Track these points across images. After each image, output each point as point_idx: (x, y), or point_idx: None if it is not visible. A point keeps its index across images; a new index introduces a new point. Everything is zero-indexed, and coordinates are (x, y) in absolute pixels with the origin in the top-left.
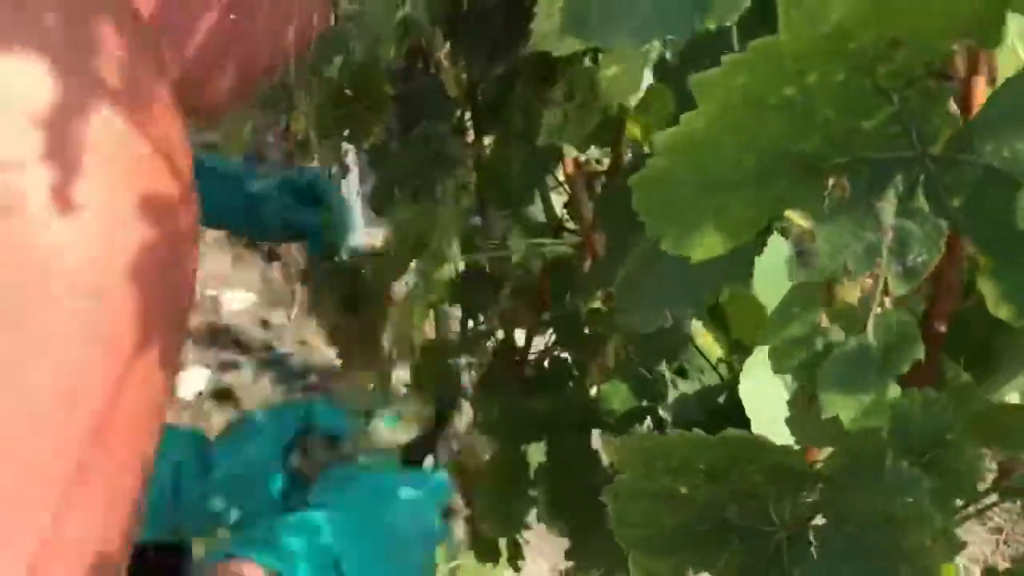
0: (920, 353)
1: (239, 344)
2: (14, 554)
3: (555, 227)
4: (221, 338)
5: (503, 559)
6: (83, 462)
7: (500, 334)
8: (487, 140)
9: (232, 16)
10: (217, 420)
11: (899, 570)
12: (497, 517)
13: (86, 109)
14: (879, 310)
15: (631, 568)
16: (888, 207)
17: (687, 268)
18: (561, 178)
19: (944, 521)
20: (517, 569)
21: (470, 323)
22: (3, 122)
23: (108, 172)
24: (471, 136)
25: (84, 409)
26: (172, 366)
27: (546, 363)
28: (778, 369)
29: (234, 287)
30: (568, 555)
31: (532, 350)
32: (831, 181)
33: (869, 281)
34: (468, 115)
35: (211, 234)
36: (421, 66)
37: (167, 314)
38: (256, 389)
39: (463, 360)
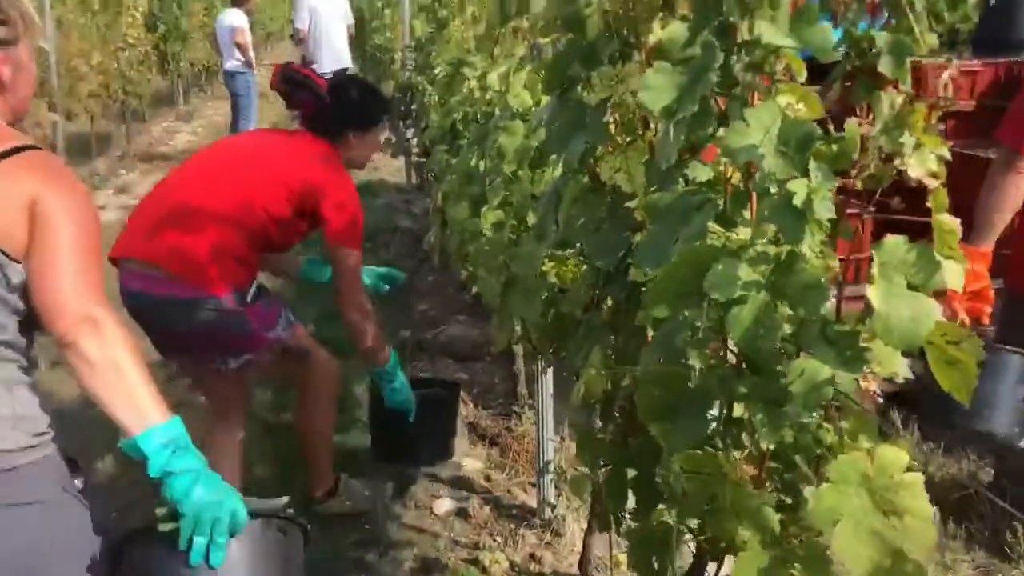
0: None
1: (471, 487)
2: (93, 278)
3: None
4: (462, 482)
5: None
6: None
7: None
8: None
9: None
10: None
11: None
12: (612, 499)
13: None
14: None
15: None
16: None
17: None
18: None
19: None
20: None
21: None
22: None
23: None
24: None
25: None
26: None
27: None
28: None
29: (472, 458)
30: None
31: None
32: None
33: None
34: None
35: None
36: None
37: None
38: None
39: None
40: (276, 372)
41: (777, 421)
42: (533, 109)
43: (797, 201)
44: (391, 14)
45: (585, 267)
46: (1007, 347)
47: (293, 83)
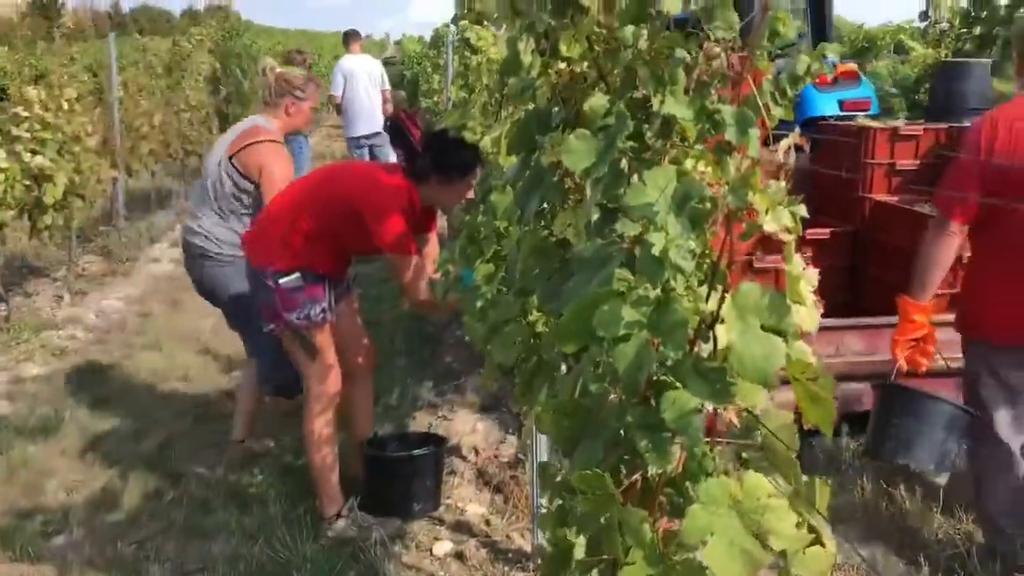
0: None
1: (471, 531)
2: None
3: None
4: (463, 526)
5: None
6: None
7: None
8: None
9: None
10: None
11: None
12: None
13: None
14: None
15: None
16: None
17: None
18: None
19: None
20: None
21: None
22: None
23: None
24: None
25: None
26: None
27: None
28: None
29: (476, 503)
30: None
31: None
32: None
33: None
34: None
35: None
36: None
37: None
38: None
39: None
40: (289, 356)
41: (661, 447)
42: None
43: (655, 251)
44: (438, 79)
45: None
46: (940, 397)
47: (394, 129)
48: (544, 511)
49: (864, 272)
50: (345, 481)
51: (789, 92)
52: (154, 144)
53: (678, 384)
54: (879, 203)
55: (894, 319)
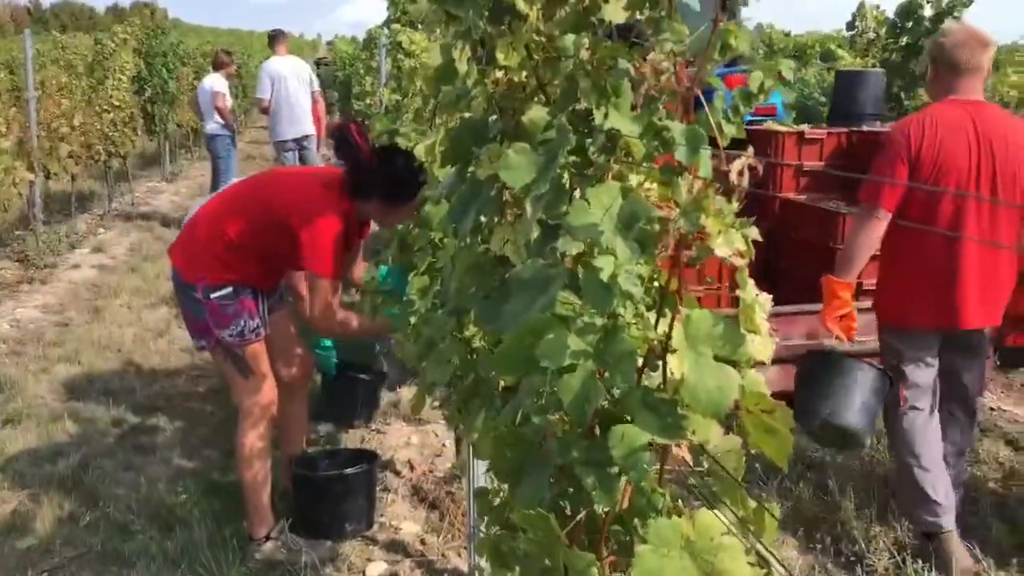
0: None
1: (405, 551)
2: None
3: None
4: (397, 546)
5: None
6: None
7: None
8: None
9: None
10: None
11: None
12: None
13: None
14: None
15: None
16: None
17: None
18: None
19: None
20: None
21: None
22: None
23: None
24: None
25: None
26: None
27: None
28: None
29: (411, 521)
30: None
31: None
32: None
33: None
34: None
35: None
36: None
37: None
38: None
39: None
40: (221, 374)
41: (608, 485)
42: None
43: (604, 276)
44: (371, 81)
45: None
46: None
47: (341, 139)
48: (482, 535)
49: (776, 265)
50: (276, 498)
51: (742, 109)
52: (74, 146)
53: (626, 416)
54: (788, 201)
55: (806, 307)
